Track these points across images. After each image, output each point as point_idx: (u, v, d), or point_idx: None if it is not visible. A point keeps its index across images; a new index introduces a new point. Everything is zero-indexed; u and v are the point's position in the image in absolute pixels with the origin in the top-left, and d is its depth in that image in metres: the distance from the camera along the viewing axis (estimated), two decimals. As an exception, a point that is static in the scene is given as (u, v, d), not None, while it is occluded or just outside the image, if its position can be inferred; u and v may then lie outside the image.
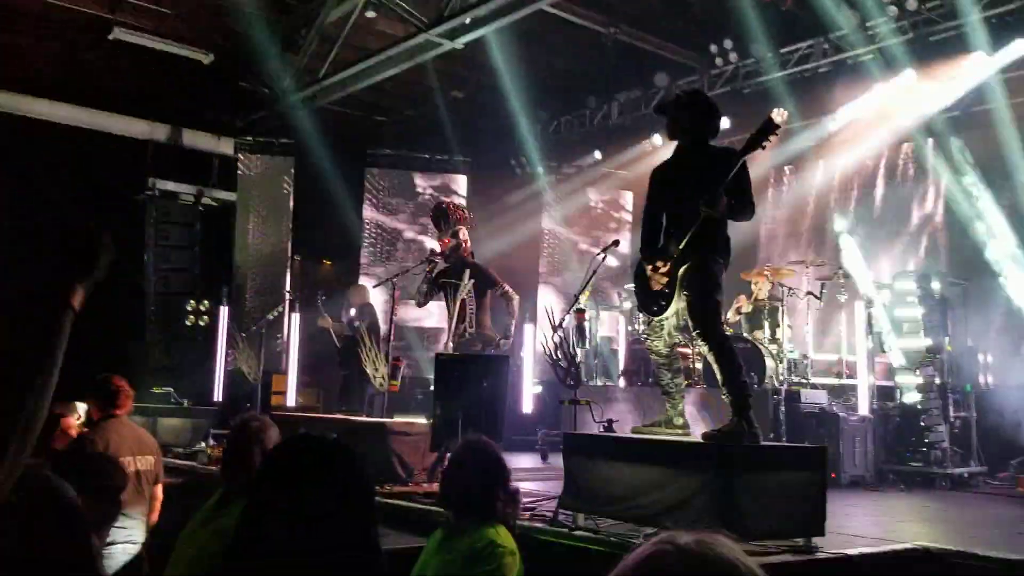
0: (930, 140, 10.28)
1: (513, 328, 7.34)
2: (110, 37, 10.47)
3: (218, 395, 11.06)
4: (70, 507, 2.11)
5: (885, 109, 10.38)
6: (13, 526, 1.90)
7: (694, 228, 4.67)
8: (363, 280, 12.24)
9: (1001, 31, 9.00)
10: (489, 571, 3.17)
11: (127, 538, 4.86)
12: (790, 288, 9.16)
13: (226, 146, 13.18)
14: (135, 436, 5.29)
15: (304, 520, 1.79)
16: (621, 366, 10.23)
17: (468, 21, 9.62)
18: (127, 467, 4.95)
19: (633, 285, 5.25)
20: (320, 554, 1.78)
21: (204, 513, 3.51)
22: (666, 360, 5.21)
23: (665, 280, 4.86)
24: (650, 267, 4.94)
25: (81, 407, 9.01)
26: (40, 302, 1.89)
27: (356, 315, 10.11)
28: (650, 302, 5.02)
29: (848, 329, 9.13)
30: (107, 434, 5.08)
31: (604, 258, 6.24)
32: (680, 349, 8.60)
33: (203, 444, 8.95)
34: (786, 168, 11.70)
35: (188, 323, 12.52)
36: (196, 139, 13.08)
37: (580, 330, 6.84)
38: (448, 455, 6.07)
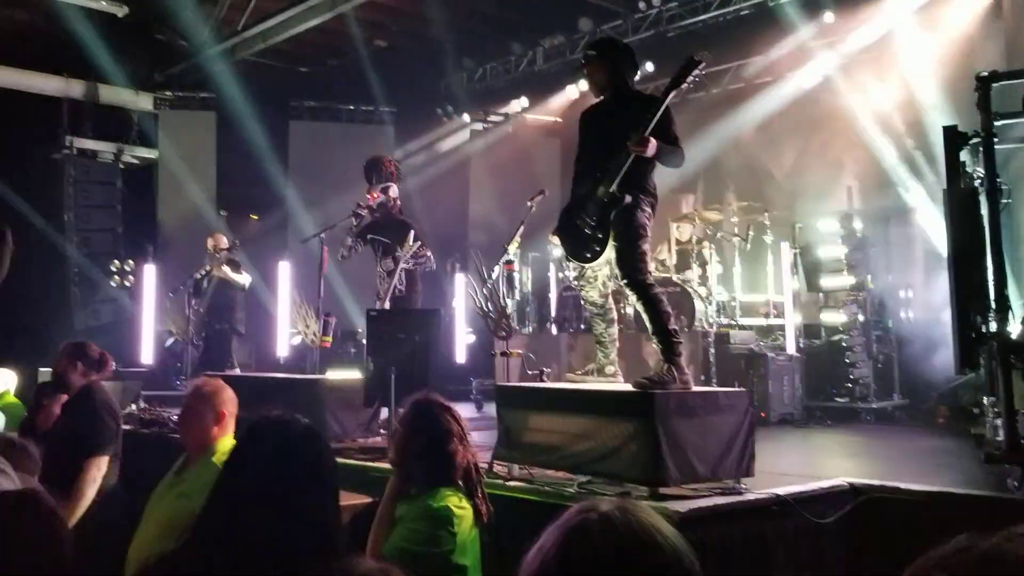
0: (848, 82, 10.43)
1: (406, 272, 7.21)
2: (18, -9, 10.04)
3: (147, 357, 10.85)
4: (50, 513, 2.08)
5: (806, 51, 10.51)
6: None
7: (623, 169, 4.69)
8: (292, 232, 12.07)
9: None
10: (438, 536, 3.09)
11: None
12: (717, 231, 9.28)
13: (145, 102, 12.81)
14: None
15: (270, 504, 1.83)
16: (553, 313, 10.29)
17: (389, -32, 9.44)
18: None
19: (558, 236, 5.23)
20: (284, 538, 1.81)
21: (170, 477, 3.67)
22: (600, 310, 5.23)
23: (589, 234, 4.87)
24: (577, 221, 4.95)
25: (10, 375, 8.80)
26: None
27: (219, 262, 9.92)
28: (582, 250, 4.98)
29: (775, 269, 9.29)
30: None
31: (532, 208, 6.23)
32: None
33: (134, 407, 8.81)
34: (710, 112, 11.77)
35: (113, 284, 12.22)
36: (114, 95, 12.65)
37: (510, 281, 6.85)
38: (383, 410, 6.11)
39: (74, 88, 12.35)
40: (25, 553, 1.88)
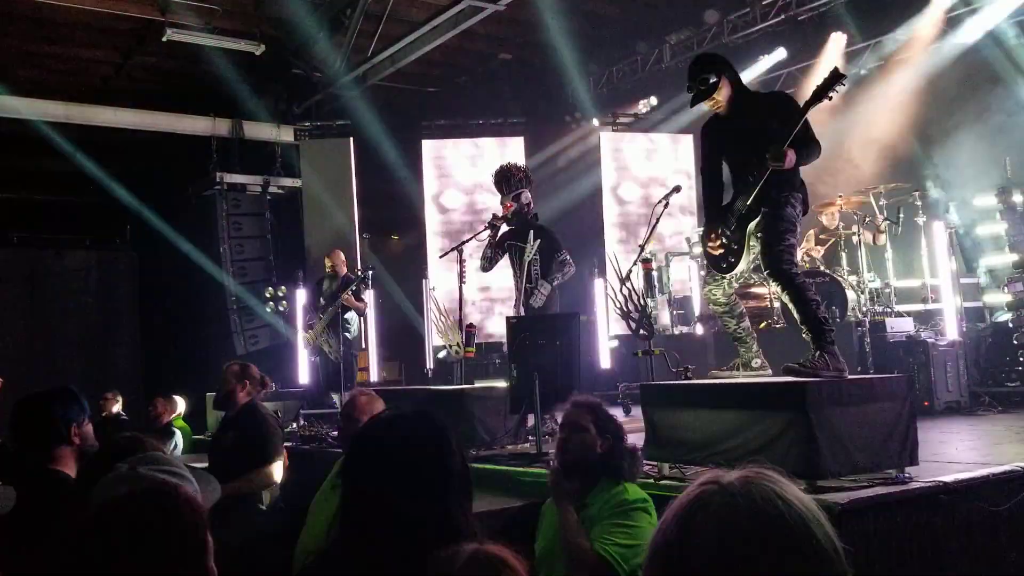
0: (999, 49, 9.82)
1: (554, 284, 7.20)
2: (164, 39, 10.59)
3: (303, 376, 11.27)
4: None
5: (949, 20, 9.97)
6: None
7: (761, 182, 4.64)
8: (431, 249, 12.29)
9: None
10: (631, 528, 3.20)
11: None
12: (865, 216, 8.90)
13: (286, 134, 13.32)
14: None
15: (395, 494, 1.84)
16: (696, 312, 10.10)
17: (508, -19, 9.52)
18: None
19: (699, 240, 5.24)
20: (411, 526, 1.82)
21: (330, 480, 3.95)
22: (726, 308, 5.21)
23: (726, 244, 4.86)
24: (715, 233, 4.94)
25: (180, 402, 9.28)
26: None
27: (348, 286, 9.97)
28: (719, 260, 5.04)
29: (929, 252, 8.83)
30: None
31: (666, 205, 6.15)
32: (755, 289, 8.49)
33: (294, 425, 9.16)
34: (849, 93, 11.31)
35: (268, 309, 12.76)
36: (257, 130, 13.22)
37: (648, 280, 6.76)
38: (529, 415, 6.13)
39: (220, 127, 12.96)
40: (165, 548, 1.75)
